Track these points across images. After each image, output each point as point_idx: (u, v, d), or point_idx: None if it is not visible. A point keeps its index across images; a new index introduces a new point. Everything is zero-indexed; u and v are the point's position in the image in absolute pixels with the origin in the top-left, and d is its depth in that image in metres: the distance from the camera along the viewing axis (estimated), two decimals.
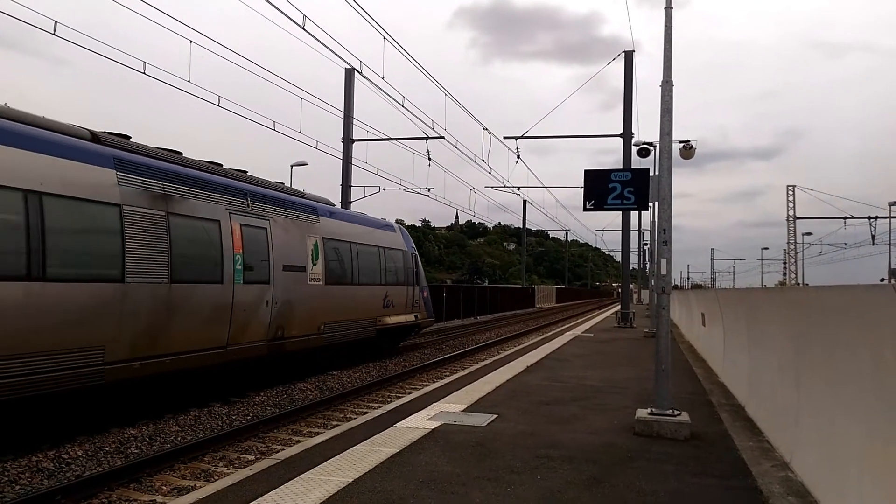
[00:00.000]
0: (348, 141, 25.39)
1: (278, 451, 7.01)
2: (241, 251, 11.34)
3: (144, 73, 13.83)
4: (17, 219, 7.46)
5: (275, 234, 12.46)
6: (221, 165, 12.35)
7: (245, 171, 13.06)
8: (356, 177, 25.37)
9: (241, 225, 11.46)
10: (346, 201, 24.91)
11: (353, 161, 25.32)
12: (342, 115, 24.55)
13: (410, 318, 19.49)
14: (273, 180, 14.04)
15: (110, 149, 9.27)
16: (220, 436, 8.60)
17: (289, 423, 9.81)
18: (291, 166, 33.22)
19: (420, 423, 7.57)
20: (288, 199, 13.59)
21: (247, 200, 11.91)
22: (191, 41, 14.13)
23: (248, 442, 8.73)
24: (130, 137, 10.26)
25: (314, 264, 13.86)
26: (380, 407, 9.51)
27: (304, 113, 19.61)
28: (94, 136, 9.33)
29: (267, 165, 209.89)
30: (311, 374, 14.09)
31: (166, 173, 10.05)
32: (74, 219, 8.32)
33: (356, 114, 25.31)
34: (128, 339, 8.88)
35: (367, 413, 9.07)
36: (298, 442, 7.86)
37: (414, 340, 21.50)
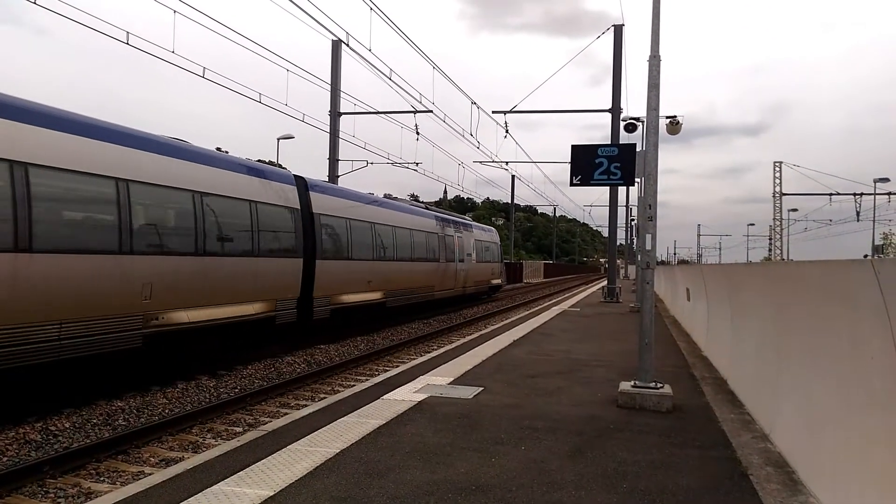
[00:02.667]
0: (335, 114, 25.15)
1: (266, 423, 7.06)
2: (457, 248, 26.60)
3: (128, 43, 13.59)
4: (411, 239, 21.16)
5: (463, 240, 27.80)
6: (447, 211, 29.44)
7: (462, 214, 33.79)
8: (343, 150, 25.20)
9: (456, 236, 26.79)
10: (333, 175, 24.77)
11: (341, 134, 25.11)
12: (329, 87, 24.29)
13: (498, 281, 35.15)
14: (457, 214, 31.78)
15: (432, 210, 24.72)
16: (208, 408, 8.65)
17: (276, 396, 9.88)
18: (278, 139, 32.98)
19: (407, 395, 7.65)
20: (467, 223, 30.19)
21: (459, 226, 27.75)
22: (175, 11, 13.90)
23: (236, 414, 8.79)
24: (419, 197, 27.59)
25: (474, 252, 29.41)
26: (367, 380, 9.57)
27: (290, 85, 19.39)
28: (425, 205, 26.57)
29: (253, 137, 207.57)
30: (299, 348, 14.16)
31: (444, 218, 25.46)
32: (430, 241, 22.97)
33: (343, 87, 25.07)
34: (437, 284, 23.43)
35: (354, 386, 9.12)
36: (286, 414, 7.93)
37: (400, 314, 21.68)
